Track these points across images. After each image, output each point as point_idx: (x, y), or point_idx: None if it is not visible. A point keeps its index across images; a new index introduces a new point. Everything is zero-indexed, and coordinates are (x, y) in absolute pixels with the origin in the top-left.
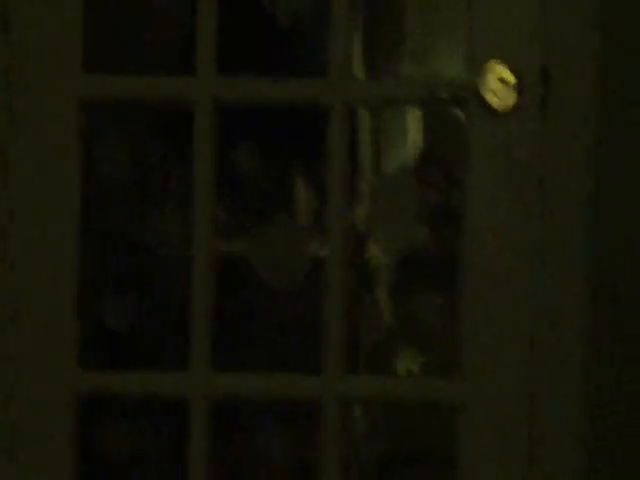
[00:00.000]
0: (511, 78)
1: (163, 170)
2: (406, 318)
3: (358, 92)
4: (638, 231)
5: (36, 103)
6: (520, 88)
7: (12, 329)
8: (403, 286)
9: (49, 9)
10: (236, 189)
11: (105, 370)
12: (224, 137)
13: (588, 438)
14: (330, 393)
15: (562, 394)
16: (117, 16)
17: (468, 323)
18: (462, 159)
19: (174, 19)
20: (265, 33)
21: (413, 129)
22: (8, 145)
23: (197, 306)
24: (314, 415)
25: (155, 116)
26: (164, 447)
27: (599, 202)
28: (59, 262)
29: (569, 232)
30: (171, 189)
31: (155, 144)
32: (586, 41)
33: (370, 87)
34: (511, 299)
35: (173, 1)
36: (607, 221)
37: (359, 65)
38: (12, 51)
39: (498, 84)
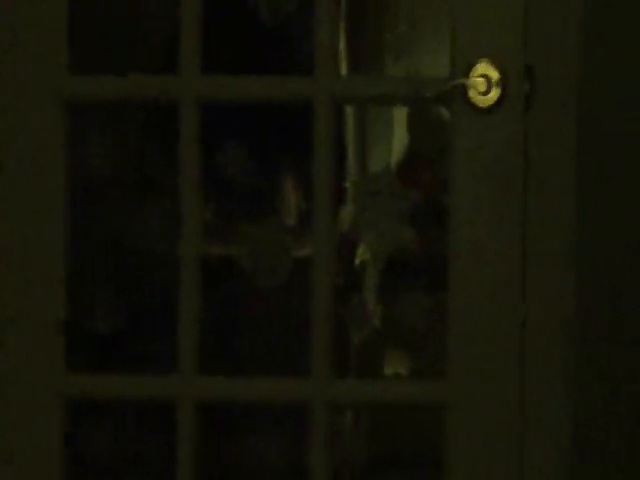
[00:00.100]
0: (495, 76)
1: (151, 170)
2: (393, 320)
3: (343, 89)
4: (620, 226)
5: (22, 104)
6: (504, 86)
7: None
8: (390, 287)
9: (34, 10)
10: (222, 189)
11: (93, 373)
12: (210, 137)
13: (576, 438)
14: (319, 396)
15: (550, 395)
16: (102, 17)
17: (454, 323)
18: (447, 157)
19: (160, 19)
20: (249, 30)
21: (398, 127)
22: None
23: (185, 308)
24: (303, 418)
25: (144, 116)
26: (152, 450)
27: (582, 198)
28: (46, 263)
29: (553, 229)
30: (160, 190)
31: (144, 143)
32: (570, 40)
33: (355, 84)
34: (497, 297)
35: (158, 1)
36: (591, 219)
37: (343, 63)
38: None
39: (482, 82)
